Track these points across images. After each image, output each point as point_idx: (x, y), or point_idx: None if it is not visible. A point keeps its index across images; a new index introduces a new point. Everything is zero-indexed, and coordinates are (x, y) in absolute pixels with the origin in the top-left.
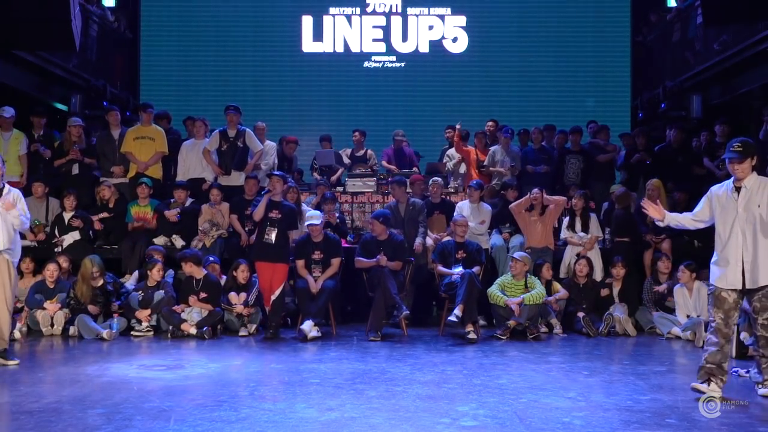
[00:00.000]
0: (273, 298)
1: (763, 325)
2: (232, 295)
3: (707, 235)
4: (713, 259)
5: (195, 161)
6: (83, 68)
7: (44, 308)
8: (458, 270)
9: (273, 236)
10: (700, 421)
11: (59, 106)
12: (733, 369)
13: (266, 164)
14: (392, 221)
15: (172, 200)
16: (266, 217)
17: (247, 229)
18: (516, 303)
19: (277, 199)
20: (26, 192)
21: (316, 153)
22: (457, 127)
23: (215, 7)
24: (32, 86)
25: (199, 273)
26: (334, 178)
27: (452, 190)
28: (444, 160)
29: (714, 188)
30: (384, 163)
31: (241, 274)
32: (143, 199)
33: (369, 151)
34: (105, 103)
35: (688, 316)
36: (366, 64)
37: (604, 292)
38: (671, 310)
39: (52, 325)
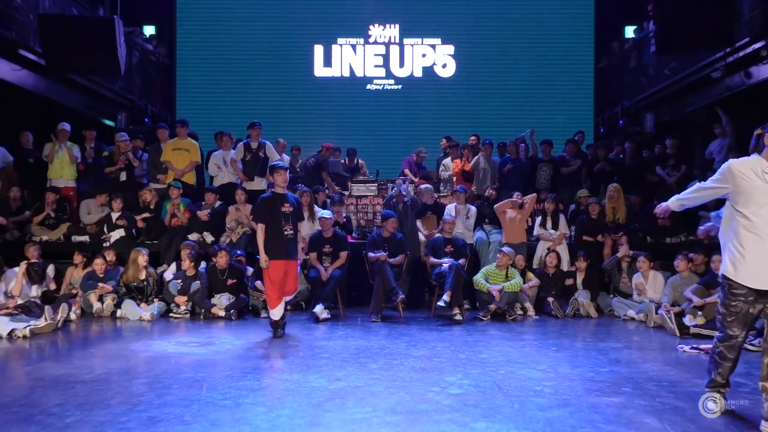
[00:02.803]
0: (289, 298)
1: None
2: (259, 283)
3: (659, 230)
4: (734, 254)
5: (224, 169)
6: (128, 90)
7: (95, 290)
8: (446, 259)
9: (291, 231)
10: (651, 390)
11: (107, 122)
12: (678, 346)
13: None
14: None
15: (203, 202)
16: (280, 213)
17: None
18: (497, 290)
19: (281, 191)
20: (84, 196)
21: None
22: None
23: (241, 37)
24: (84, 105)
25: (225, 264)
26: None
27: (443, 194)
28: (440, 169)
29: (735, 163)
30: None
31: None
32: (176, 197)
33: (359, 161)
34: (147, 120)
35: (642, 300)
36: (368, 86)
37: (569, 281)
38: (627, 295)
39: (102, 309)
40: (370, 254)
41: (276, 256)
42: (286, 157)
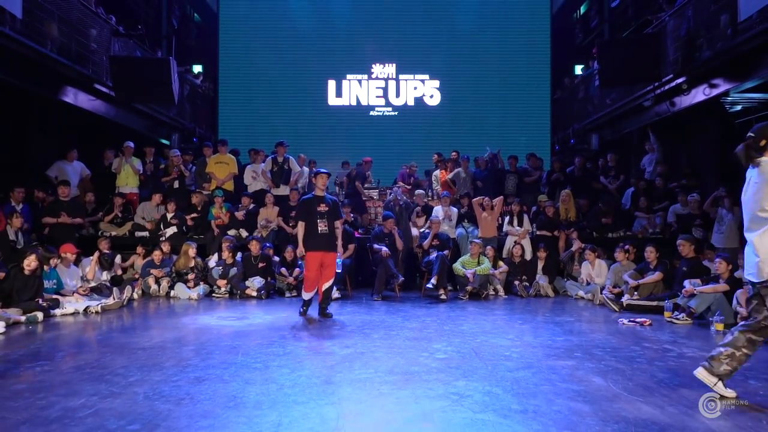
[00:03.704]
0: (326, 286)
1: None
2: (283, 270)
3: (603, 227)
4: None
5: (257, 178)
6: (180, 116)
7: (152, 274)
8: (431, 246)
9: (326, 227)
10: (597, 354)
11: (163, 141)
12: (618, 319)
13: (301, 185)
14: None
15: (240, 205)
16: (315, 211)
17: (291, 224)
18: (471, 273)
19: (321, 194)
20: (145, 200)
21: (337, 173)
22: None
23: (270, 74)
24: (145, 128)
25: (257, 251)
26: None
27: (431, 198)
28: (432, 179)
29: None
30: (400, 182)
31: (289, 254)
32: (219, 203)
33: (368, 172)
34: (195, 140)
35: (588, 283)
36: (371, 113)
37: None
38: (578, 279)
39: (158, 290)
40: (375, 246)
41: (312, 248)
42: (305, 169)
